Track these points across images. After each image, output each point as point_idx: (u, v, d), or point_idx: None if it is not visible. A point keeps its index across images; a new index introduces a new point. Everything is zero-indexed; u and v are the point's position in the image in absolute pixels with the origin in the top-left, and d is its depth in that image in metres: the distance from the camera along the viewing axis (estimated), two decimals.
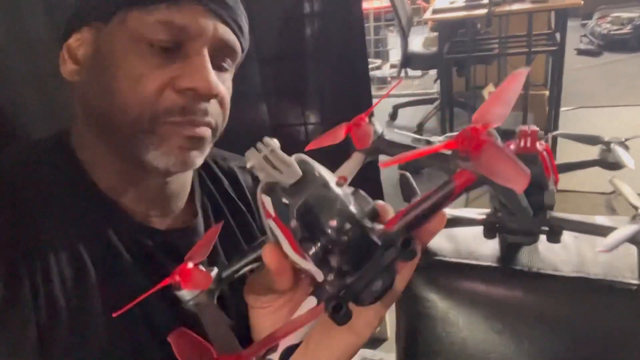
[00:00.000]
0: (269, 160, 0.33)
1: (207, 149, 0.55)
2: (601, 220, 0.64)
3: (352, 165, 0.47)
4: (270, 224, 0.33)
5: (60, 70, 0.55)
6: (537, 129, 0.60)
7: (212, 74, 0.50)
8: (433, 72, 3.87)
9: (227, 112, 0.57)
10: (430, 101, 3.56)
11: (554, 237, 0.62)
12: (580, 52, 4.47)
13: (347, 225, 0.30)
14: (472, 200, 2.37)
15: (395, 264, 0.31)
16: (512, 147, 0.61)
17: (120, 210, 0.55)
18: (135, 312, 0.51)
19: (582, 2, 2.40)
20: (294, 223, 0.32)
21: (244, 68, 1.43)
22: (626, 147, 0.69)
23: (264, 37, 1.34)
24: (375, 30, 4.16)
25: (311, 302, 0.32)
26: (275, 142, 0.34)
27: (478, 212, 0.68)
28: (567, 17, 2.55)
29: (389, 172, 1.87)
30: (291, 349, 0.32)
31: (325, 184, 0.32)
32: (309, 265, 0.31)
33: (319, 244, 0.30)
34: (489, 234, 0.65)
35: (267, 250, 0.35)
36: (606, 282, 0.61)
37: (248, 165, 0.33)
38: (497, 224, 0.64)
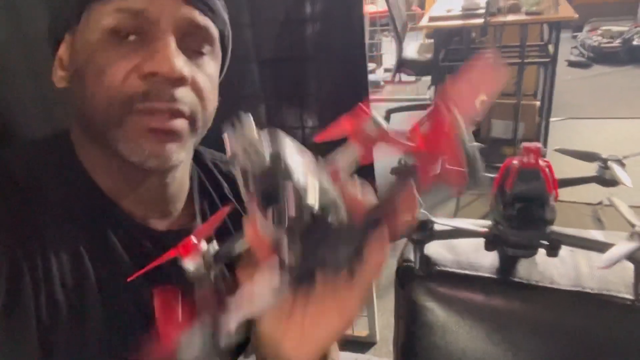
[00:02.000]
0: (246, 152, 0.34)
1: (187, 142, 0.53)
2: (599, 235, 0.66)
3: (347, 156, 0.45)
4: (249, 205, 0.36)
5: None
6: (540, 145, 0.61)
7: (176, 57, 0.49)
8: (426, 78, 3.90)
9: (209, 101, 0.54)
10: (423, 106, 3.59)
11: (552, 251, 0.64)
12: (571, 63, 4.53)
13: (305, 217, 0.33)
14: (461, 208, 2.40)
15: (362, 236, 0.35)
16: (515, 162, 0.63)
17: (119, 210, 0.55)
18: (133, 310, 0.52)
19: (577, 16, 2.44)
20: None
21: (243, 70, 1.42)
22: (622, 165, 0.71)
23: (264, 39, 1.34)
24: (370, 35, 4.17)
25: (272, 269, 0.35)
26: (250, 128, 0.35)
27: (479, 225, 0.69)
28: (560, 30, 2.59)
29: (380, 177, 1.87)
30: None
31: (290, 175, 0.34)
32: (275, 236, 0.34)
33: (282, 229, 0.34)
34: (489, 246, 0.67)
35: (245, 223, 0.37)
36: (602, 296, 0.62)
37: (229, 150, 0.35)
38: (499, 237, 0.65)
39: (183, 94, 0.50)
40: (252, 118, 0.35)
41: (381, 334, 1.73)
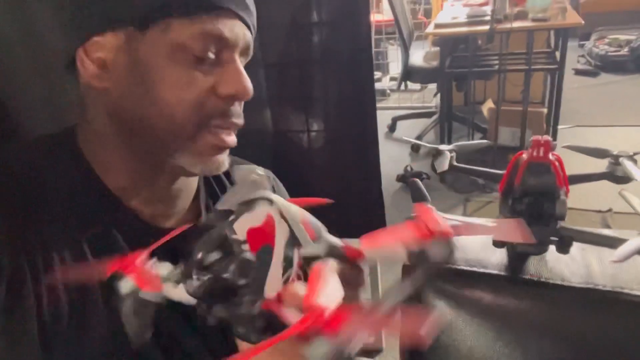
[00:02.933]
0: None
1: None
2: (610, 232, 0.65)
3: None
4: None
5: (80, 73, 0.52)
6: (550, 139, 0.60)
7: (248, 79, 0.53)
8: (432, 86, 3.90)
9: None
10: (428, 114, 3.59)
11: (563, 247, 0.62)
12: (578, 72, 4.52)
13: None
14: (470, 214, 2.38)
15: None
16: (524, 156, 0.62)
17: (125, 209, 0.55)
18: None
19: (583, 22, 2.44)
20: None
21: (249, 73, 1.43)
22: (634, 161, 0.70)
23: (270, 43, 1.35)
24: (376, 43, 4.18)
25: None
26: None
27: (488, 221, 0.68)
28: (567, 36, 2.58)
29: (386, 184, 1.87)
30: None
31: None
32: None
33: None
34: (498, 243, 0.66)
35: None
36: (614, 294, 0.61)
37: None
38: None
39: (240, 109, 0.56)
40: None
41: (387, 340, 1.71)
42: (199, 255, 0.37)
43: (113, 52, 0.51)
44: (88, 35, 0.51)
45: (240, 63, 0.54)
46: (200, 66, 0.51)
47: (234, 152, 0.73)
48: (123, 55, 0.51)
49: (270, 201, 0.38)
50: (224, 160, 0.56)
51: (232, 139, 0.55)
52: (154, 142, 0.53)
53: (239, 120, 0.56)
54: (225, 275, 0.36)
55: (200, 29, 0.49)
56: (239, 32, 0.52)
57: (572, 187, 0.64)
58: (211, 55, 0.51)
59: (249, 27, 0.54)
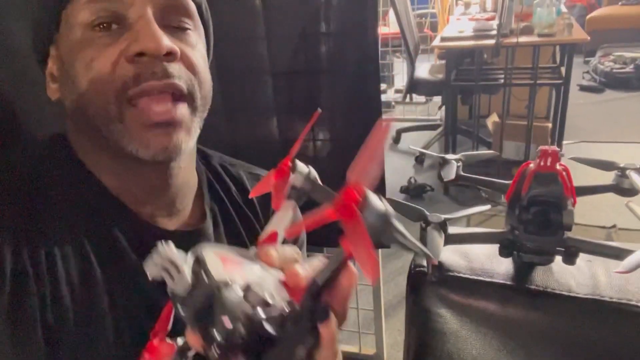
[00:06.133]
0: (166, 270, 0.32)
1: (192, 128, 0.52)
2: (616, 243, 0.64)
3: (281, 216, 0.43)
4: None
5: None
6: (558, 149, 0.60)
7: (158, 33, 0.48)
8: (437, 99, 3.91)
9: (203, 77, 0.54)
10: (433, 127, 3.59)
11: (570, 258, 0.62)
12: (583, 88, 4.53)
13: (239, 327, 0.30)
14: (474, 226, 2.37)
15: (312, 332, 0.32)
16: (531, 165, 0.62)
17: (126, 209, 0.55)
18: (141, 310, 0.51)
19: (589, 38, 2.45)
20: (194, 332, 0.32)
21: (257, 81, 1.43)
22: None
23: (278, 52, 1.36)
24: (382, 56, 4.21)
25: None
26: (168, 250, 0.33)
27: (493, 230, 0.68)
28: (573, 52, 2.60)
29: (389, 195, 1.87)
30: None
31: (217, 287, 0.31)
32: None
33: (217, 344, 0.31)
34: (504, 252, 0.66)
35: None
36: (621, 305, 0.61)
37: (150, 277, 0.33)
38: (514, 242, 0.64)
39: (176, 69, 0.49)
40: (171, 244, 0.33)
41: (389, 352, 1.70)
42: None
43: (55, 62, 0.53)
44: (45, 58, 0.55)
45: (149, 18, 0.48)
46: (104, 38, 0.48)
47: (240, 158, 0.73)
48: (58, 61, 0.52)
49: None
50: (177, 139, 0.49)
51: (163, 107, 0.48)
52: (99, 135, 0.50)
53: (171, 80, 0.49)
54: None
55: None
56: None
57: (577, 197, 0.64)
58: (111, 21, 0.48)
59: None
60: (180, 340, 0.39)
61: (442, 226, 0.65)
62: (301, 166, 0.41)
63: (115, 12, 0.49)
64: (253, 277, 0.34)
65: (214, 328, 0.30)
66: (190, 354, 0.38)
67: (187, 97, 0.51)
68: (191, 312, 0.31)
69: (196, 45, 0.54)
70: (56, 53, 0.53)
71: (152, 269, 0.32)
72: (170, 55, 0.48)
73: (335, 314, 0.34)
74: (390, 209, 0.31)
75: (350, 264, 0.34)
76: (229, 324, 0.30)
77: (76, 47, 0.49)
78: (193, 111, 0.52)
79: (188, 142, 0.52)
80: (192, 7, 0.54)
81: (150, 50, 0.47)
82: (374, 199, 0.30)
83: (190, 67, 0.52)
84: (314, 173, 0.42)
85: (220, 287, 0.31)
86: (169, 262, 0.32)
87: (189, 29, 0.54)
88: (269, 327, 0.31)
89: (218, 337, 0.30)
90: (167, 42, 0.48)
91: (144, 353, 0.39)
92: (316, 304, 0.32)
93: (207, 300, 0.31)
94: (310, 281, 0.33)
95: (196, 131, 0.54)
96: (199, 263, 0.33)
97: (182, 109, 0.50)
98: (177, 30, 0.52)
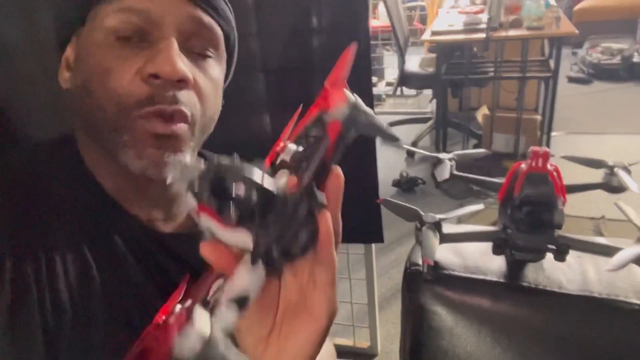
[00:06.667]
0: (185, 168, 0.34)
1: (187, 149, 0.52)
2: (605, 241, 0.66)
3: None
4: (201, 220, 0.35)
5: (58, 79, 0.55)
6: (549, 150, 0.62)
7: (177, 58, 0.48)
8: (427, 92, 3.93)
9: (209, 105, 0.53)
10: (424, 120, 3.61)
11: (560, 255, 0.64)
12: (571, 79, 4.56)
13: (251, 188, 0.33)
14: (465, 219, 2.40)
15: (311, 217, 0.35)
16: (523, 166, 0.64)
17: (124, 213, 0.55)
18: (139, 313, 0.52)
19: (577, 32, 2.47)
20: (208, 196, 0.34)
21: (250, 78, 1.43)
22: (629, 172, 0.72)
23: (270, 48, 1.36)
24: (372, 48, 4.21)
25: (246, 264, 0.35)
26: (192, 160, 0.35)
27: (487, 228, 0.70)
28: (562, 45, 2.62)
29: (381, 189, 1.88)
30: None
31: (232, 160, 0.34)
32: (238, 238, 0.34)
33: (233, 211, 0.34)
34: (497, 250, 0.67)
35: (203, 248, 0.35)
36: (610, 302, 0.62)
37: (169, 180, 0.34)
38: (507, 241, 0.66)
39: (185, 96, 0.50)
40: None
41: (382, 345, 1.72)
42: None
43: (74, 52, 0.53)
44: (64, 45, 0.55)
45: (172, 41, 0.49)
46: (125, 50, 0.48)
47: (231, 154, 0.73)
48: (76, 54, 0.53)
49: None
50: (163, 157, 0.49)
51: (172, 128, 0.49)
52: (101, 139, 0.50)
53: (178, 107, 0.49)
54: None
55: (117, 6, 0.48)
56: (169, 6, 0.49)
57: (566, 195, 0.66)
58: (135, 35, 0.48)
59: (196, 3, 0.51)
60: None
61: (437, 226, 0.66)
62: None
63: (142, 28, 0.49)
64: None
65: (230, 195, 0.33)
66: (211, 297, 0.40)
67: (188, 120, 0.51)
68: (206, 187, 0.33)
69: (213, 74, 0.54)
70: (76, 45, 0.53)
71: (172, 171, 0.34)
72: (182, 82, 0.49)
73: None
74: (359, 99, 0.37)
75: (336, 168, 0.37)
76: (243, 191, 0.33)
77: (96, 50, 0.49)
78: (191, 133, 0.52)
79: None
80: (219, 37, 0.54)
81: (165, 74, 0.47)
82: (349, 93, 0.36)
83: (199, 95, 0.52)
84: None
85: (235, 159, 0.34)
86: (186, 165, 0.34)
87: (210, 57, 0.54)
88: (277, 192, 0.34)
89: (232, 205, 0.33)
90: (182, 68, 0.48)
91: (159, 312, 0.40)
92: (311, 190, 0.35)
93: (222, 171, 0.33)
94: (302, 170, 0.36)
95: (194, 150, 0.54)
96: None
97: (181, 127, 0.50)
98: (198, 56, 0.52)
